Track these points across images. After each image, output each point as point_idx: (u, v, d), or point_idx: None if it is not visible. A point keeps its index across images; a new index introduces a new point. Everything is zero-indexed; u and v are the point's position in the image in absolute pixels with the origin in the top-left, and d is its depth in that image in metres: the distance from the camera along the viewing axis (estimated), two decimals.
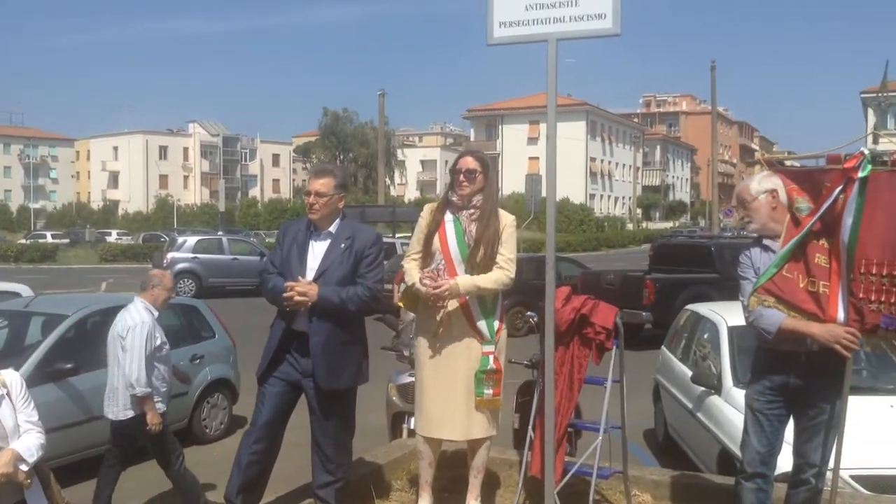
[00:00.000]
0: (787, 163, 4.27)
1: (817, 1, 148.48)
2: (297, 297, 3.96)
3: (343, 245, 4.14)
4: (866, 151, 3.62)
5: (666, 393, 7.46)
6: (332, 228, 4.20)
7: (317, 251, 4.17)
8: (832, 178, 3.69)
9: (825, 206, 3.61)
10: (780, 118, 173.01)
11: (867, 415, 4.92)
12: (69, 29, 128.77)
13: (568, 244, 46.98)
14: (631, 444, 8.00)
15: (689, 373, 6.50)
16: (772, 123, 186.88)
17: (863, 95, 54.57)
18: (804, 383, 3.67)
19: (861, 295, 3.60)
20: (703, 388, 6.11)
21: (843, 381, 3.65)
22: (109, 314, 7.35)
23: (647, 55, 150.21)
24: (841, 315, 3.57)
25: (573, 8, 3.65)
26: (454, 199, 4.18)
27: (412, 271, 4.18)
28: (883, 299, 3.58)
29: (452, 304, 4.04)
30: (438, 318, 4.04)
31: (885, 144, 3.70)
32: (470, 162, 4.17)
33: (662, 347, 8.09)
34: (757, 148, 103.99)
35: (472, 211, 4.15)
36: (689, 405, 6.44)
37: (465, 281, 4.03)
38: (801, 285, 3.63)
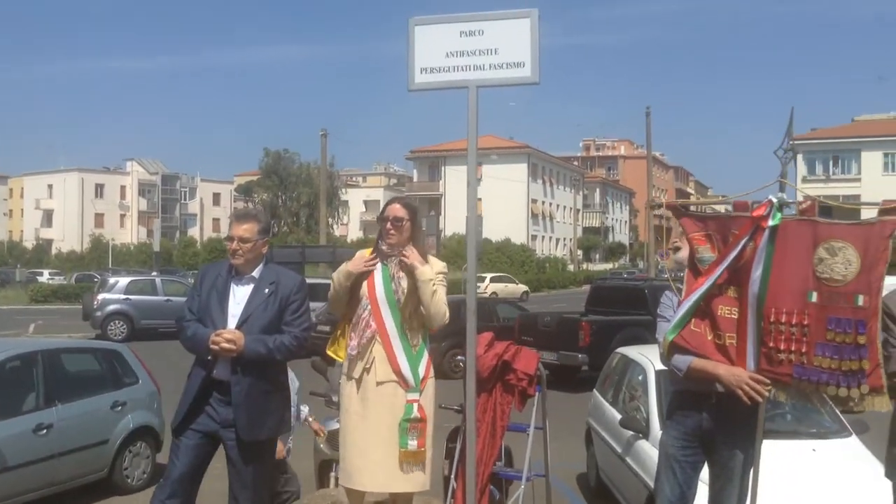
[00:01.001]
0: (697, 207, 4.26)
1: (749, 50, 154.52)
2: (225, 346, 3.83)
3: (267, 290, 4.03)
4: (775, 199, 3.65)
5: (597, 436, 7.46)
6: (256, 273, 4.09)
7: (238, 297, 4.04)
8: (740, 225, 3.70)
9: (731, 255, 3.63)
10: (715, 163, 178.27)
11: (789, 459, 4.97)
12: (3, 66, 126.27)
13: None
14: (564, 487, 8.03)
15: (619, 416, 6.52)
16: (706, 168, 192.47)
17: (791, 142, 56.49)
18: (717, 426, 3.70)
19: (771, 344, 3.61)
20: (631, 433, 6.12)
21: (757, 426, 3.67)
22: (30, 359, 7.15)
23: (586, 100, 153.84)
24: (751, 365, 3.60)
25: (493, 56, 3.70)
26: (383, 247, 4.14)
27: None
28: (793, 348, 3.59)
29: (378, 353, 3.99)
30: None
31: (793, 192, 3.72)
32: (397, 209, 4.14)
33: (594, 390, 8.10)
34: (692, 192, 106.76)
35: (401, 258, 4.11)
36: (619, 449, 6.44)
37: (428, 269, 4.01)
38: (709, 338, 3.66)
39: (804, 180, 55.99)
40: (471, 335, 3.79)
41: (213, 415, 3.99)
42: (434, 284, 3.98)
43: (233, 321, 3.97)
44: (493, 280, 44.42)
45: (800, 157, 55.55)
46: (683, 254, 3.89)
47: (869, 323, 3.48)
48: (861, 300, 3.49)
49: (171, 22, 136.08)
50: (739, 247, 3.61)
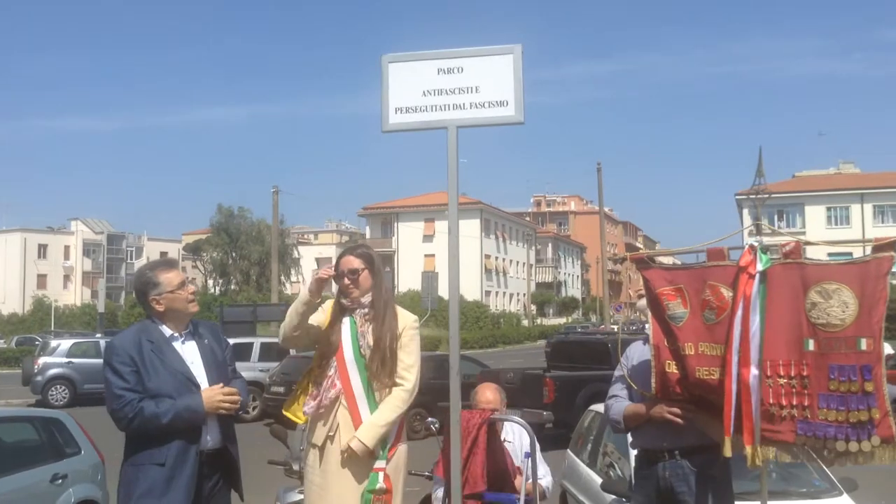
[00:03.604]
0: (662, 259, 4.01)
1: (690, 108, 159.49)
2: (231, 405, 3.60)
3: (206, 341, 3.80)
4: (756, 244, 3.45)
5: (574, 500, 7.11)
6: (189, 328, 3.81)
7: (189, 355, 3.71)
8: (719, 275, 3.48)
9: (738, 314, 3.39)
10: (662, 218, 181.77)
11: None
12: None
13: (465, 341, 46.85)
14: None
15: (598, 479, 6.20)
16: (654, 223, 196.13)
17: (737, 196, 57.99)
18: (676, 483, 3.49)
19: (771, 401, 3.37)
20: (613, 496, 5.80)
21: (728, 486, 3.46)
22: None
23: (535, 155, 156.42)
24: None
25: (474, 94, 3.47)
26: (344, 302, 3.82)
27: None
28: (795, 402, 3.36)
29: (342, 417, 3.63)
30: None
31: (767, 237, 3.52)
32: (352, 261, 3.81)
33: (568, 451, 7.78)
34: (641, 246, 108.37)
35: (366, 310, 3.78)
36: None
37: (367, 432, 3.61)
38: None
39: (750, 234, 57.24)
40: (454, 394, 3.47)
41: (204, 491, 3.63)
42: (384, 422, 3.63)
43: (203, 379, 3.67)
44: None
45: (745, 211, 56.83)
46: (644, 301, 3.69)
47: (875, 368, 3.25)
48: (864, 344, 3.27)
49: (116, 82, 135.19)
50: (734, 300, 3.39)
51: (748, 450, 3.36)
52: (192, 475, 3.50)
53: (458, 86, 3.46)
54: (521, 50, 3.41)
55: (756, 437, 3.36)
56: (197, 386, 3.60)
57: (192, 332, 3.78)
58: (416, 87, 3.52)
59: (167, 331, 3.70)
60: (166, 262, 3.99)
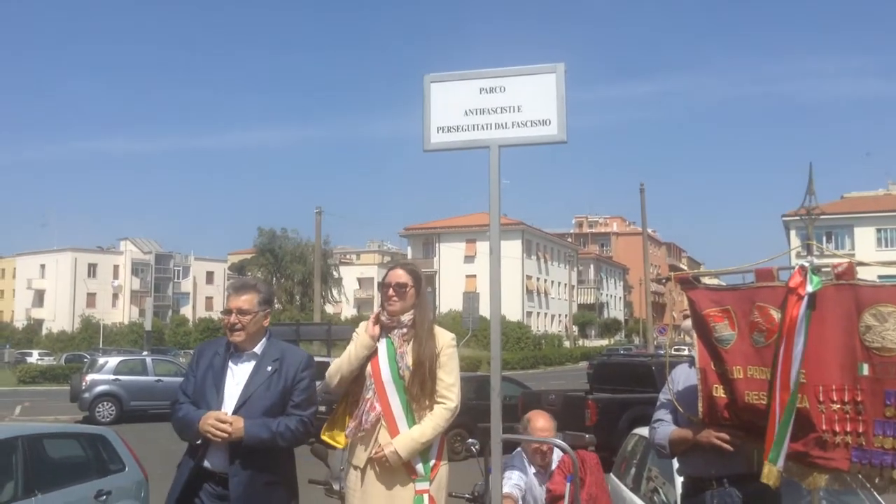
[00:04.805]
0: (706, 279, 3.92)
1: (737, 128, 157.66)
2: (216, 433, 3.44)
3: (270, 368, 3.67)
4: (807, 264, 3.34)
5: None
6: (258, 349, 3.73)
7: (238, 376, 3.67)
8: (767, 296, 3.37)
9: (799, 339, 3.28)
10: (706, 241, 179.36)
11: None
12: None
13: (506, 362, 46.60)
14: None
15: None
16: (698, 246, 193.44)
17: (784, 218, 56.95)
18: None
19: (824, 427, 3.26)
20: None
21: None
22: (9, 445, 6.69)
23: (578, 177, 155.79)
24: (779, 461, 3.26)
25: (516, 114, 3.44)
26: (383, 317, 3.78)
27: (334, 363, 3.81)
28: (849, 429, 3.25)
29: (384, 438, 3.60)
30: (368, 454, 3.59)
31: (817, 258, 3.40)
32: (400, 275, 3.78)
33: (611, 475, 7.64)
34: (685, 267, 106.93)
35: (404, 330, 3.73)
36: None
37: (404, 443, 3.58)
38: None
39: (798, 255, 56.16)
40: (495, 415, 3.42)
41: None
42: (423, 439, 3.60)
43: (231, 402, 3.59)
44: None
45: (793, 232, 55.78)
46: (690, 322, 3.60)
47: None
48: None
49: (164, 105, 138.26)
50: (781, 322, 3.28)
51: (766, 468, 3.26)
52: (181, 488, 3.56)
53: (500, 105, 3.45)
54: (564, 69, 3.38)
55: (776, 455, 3.25)
56: (213, 406, 3.58)
57: (258, 355, 3.73)
58: (458, 106, 3.51)
59: (232, 347, 3.74)
60: (234, 284, 3.95)
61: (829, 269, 3.39)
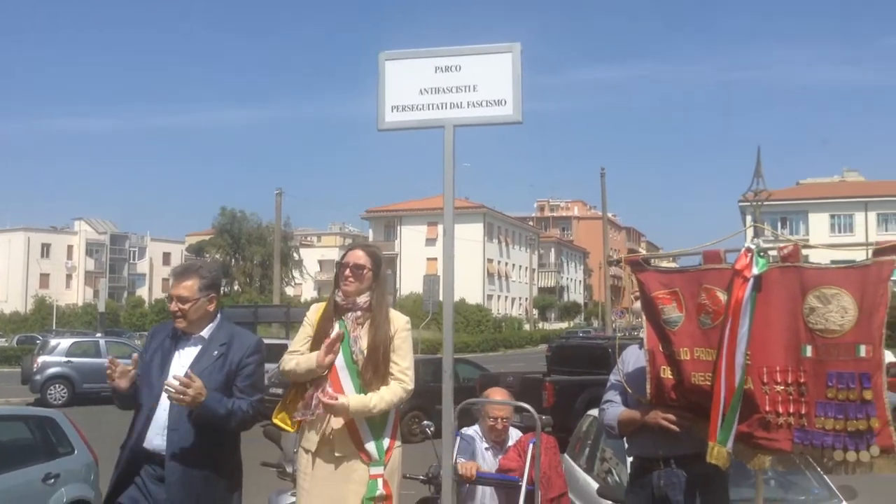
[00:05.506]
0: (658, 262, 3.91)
1: (695, 112, 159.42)
2: (176, 395, 3.35)
3: (216, 352, 3.62)
4: (753, 246, 3.36)
5: None
6: (205, 333, 3.68)
7: (184, 359, 3.62)
8: (714, 278, 3.40)
9: (743, 319, 3.32)
10: (666, 225, 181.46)
11: None
12: None
13: (466, 345, 46.74)
14: None
15: (595, 484, 6.14)
16: (658, 230, 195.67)
17: (740, 203, 57.83)
18: (672, 493, 3.44)
19: (767, 408, 3.29)
20: (610, 502, 5.73)
21: (723, 497, 3.39)
22: None
23: (539, 160, 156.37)
24: (728, 442, 3.31)
25: (471, 93, 3.41)
26: (337, 298, 3.71)
27: (289, 361, 3.67)
28: (792, 410, 3.28)
29: (336, 422, 3.55)
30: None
31: (766, 241, 3.42)
32: (359, 256, 3.69)
33: (565, 455, 7.70)
34: (644, 251, 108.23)
35: (358, 313, 3.66)
36: None
37: (356, 401, 3.50)
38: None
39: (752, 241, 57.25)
40: (447, 397, 3.41)
41: (144, 492, 3.52)
42: (372, 404, 3.50)
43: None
44: None
45: (748, 218, 56.69)
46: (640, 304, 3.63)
47: (874, 376, 3.16)
48: (863, 351, 3.18)
49: (121, 82, 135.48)
50: (731, 304, 3.31)
51: (714, 449, 3.30)
52: (123, 466, 3.56)
53: (455, 84, 3.40)
54: (520, 49, 3.35)
55: (726, 437, 3.29)
56: (155, 388, 3.53)
57: (206, 339, 3.67)
58: (413, 85, 3.46)
59: (180, 331, 3.69)
60: (175, 270, 3.83)
61: (775, 252, 3.43)
